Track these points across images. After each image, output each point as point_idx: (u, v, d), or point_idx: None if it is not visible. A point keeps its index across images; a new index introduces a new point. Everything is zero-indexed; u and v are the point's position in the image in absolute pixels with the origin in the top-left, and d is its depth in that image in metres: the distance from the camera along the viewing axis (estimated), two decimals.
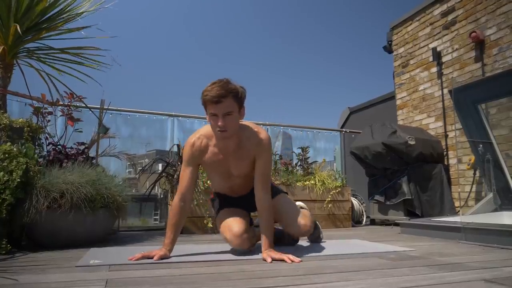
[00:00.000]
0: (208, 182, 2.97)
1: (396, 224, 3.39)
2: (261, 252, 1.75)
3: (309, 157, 3.97)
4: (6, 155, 1.90)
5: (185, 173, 1.75)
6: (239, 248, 1.74)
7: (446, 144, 4.18)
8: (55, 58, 2.75)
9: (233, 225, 1.75)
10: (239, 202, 1.92)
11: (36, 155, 2.21)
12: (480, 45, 3.87)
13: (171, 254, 1.70)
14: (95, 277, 1.30)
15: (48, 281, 1.24)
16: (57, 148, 2.50)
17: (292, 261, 1.56)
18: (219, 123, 1.58)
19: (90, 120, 3.23)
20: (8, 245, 1.80)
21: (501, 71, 3.53)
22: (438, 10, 4.45)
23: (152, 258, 1.61)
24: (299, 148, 4.03)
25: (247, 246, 1.77)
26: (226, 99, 1.56)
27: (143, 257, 1.61)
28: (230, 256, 1.73)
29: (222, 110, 1.58)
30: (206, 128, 1.76)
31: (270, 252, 1.64)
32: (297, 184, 3.59)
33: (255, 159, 1.75)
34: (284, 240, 2.05)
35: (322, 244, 2.18)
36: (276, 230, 2.04)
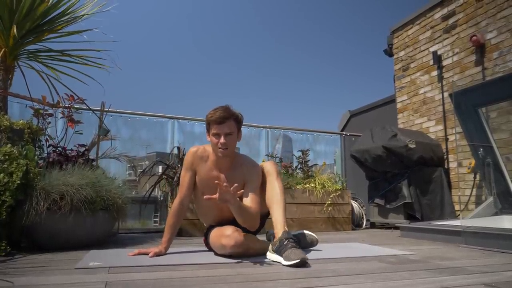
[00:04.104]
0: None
1: (396, 228, 3.38)
2: (260, 256, 1.78)
3: (309, 160, 3.97)
4: (7, 157, 1.90)
5: (184, 179, 1.92)
6: (235, 250, 1.71)
7: (447, 148, 4.18)
8: (55, 59, 2.75)
9: (225, 230, 1.76)
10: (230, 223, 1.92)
11: (36, 157, 2.22)
12: (480, 48, 3.87)
13: (167, 252, 1.85)
14: (94, 279, 1.29)
15: (47, 283, 1.24)
16: (57, 150, 2.50)
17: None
18: (221, 141, 1.77)
19: (90, 122, 3.24)
20: (8, 247, 1.80)
21: (502, 75, 3.54)
22: (438, 14, 4.46)
23: (148, 254, 1.79)
24: (299, 151, 4.03)
25: (243, 247, 1.73)
26: (228, 121, 1.79)
27: (140, 253, 1.82)
28: (230, 259, 1.72)
29: (224, 130, 1.78)
30: (209, 145, 1.92)
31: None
32: (297, 187, 3.59)
33: (245, 183, 1.85)
34: (301, 244, 2.04)
35: (322, 247, 2.18)
36: (299, 233, 2.09)
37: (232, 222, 1.86)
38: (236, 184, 1.61)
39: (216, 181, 1.60)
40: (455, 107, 3.53)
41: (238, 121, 1.85)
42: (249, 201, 1.80)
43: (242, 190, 1.70)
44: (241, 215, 1.74)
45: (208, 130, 1.85)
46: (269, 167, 1.93)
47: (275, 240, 1.71)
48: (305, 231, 2.17)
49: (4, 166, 1.87)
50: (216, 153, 1.84)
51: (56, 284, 1.23)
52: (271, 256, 1.71)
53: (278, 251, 1.65)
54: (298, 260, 1.54)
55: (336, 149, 5.31)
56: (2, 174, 1.84)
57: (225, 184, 1.57)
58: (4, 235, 1.84)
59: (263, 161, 3.71)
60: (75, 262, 1.63)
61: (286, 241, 1.65)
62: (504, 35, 3.65)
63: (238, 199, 1.68)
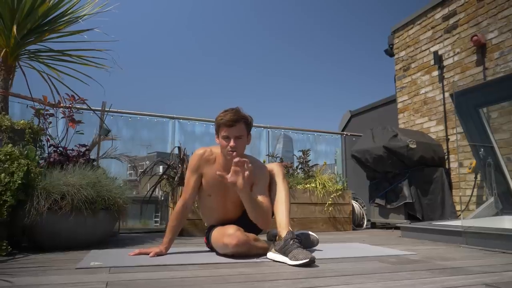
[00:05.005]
0: None
1: (397, 228, 3.38)
2: (261, 256, 1.78)
3: (310, 160, 3.96)
4: (8, 157, 1.90)
5: (189, 181, 1.91)
6: (238, 249, 1.72)
7: (447, 148, 4.18)
8: (56, 59, 2.76)
9: (228, 229, 1.76)
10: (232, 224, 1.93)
11: (37, 157, 2.22)
12: (481, 48, 3.87)
13: (168, 252, 1.86)
14: (95, 279, 1.30)
15: (48, 283, 1.24)
16: (58, 150, 2.50)
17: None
18: (231, 144, 1.76)
19: (91, 122, 3.24)
20: (9, 247, 1.80)
21: (503, 75, 3.53)
22: (439, 14, 4.46)
23: (148, 254, 1.79)
24: (300, 151, 4.03)
25: (246, 246, 1.74)
26: (238, 124, 1.78)
27: (140, 253, 1.82)
28: (231, 259, 1.72)
29: (234, 133, 1.77)
30: (216, 147, 1.92)
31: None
32: (298, 187, 3.59)
33: (253, 184, 1.83)
34: (303, 244, 2.05)
35: (323, 247, 2.18)
36: (300, 233, 2.09)
37: (235, 222, 1.87)
38: (247, 160, 1.62)
39: (230, 150, 1.65)
40: (456, 107, 3.53)
41: (248, 124, 1.84)
42: (260, 199, 1.81)
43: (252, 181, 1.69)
44: (253, 209, 1.74)
45: (217, 132, 1.84)
46: (276, 169, 1.94)
47: (278, 240, 1.71)
48: (307, 231, 2.17)
49: (5, 166, 1.87)
50: (225, 156, 1.83)
51: (57, 284, 1.23)
52: (273, 256, 1.71)
53: (283, 251, 1.65)
54: (307, 260, 1.53)
55: (336, 149, 5.30)
56: (3, 174, 1.84)
57: (238, 159, 1.62)
58: (5, 235, 1.84)
59: (263, 161, 3.72)
60: (76, 262, 1.63)
61: (292, 241, 1.65)
62: (505, 35, 3.64)
63: (248, 189, 1.70)
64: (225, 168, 1.86)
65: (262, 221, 1.81)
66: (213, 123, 1.90)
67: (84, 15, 2.81)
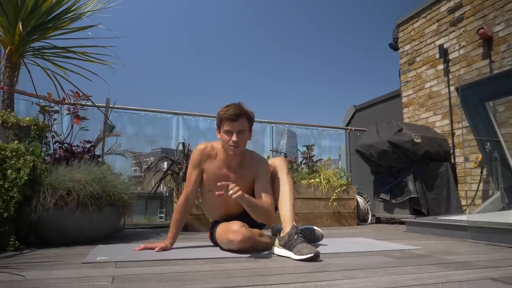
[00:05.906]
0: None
1: (402, 223, 3.37)
2: (267, 250, 1.79)
3: (314, 155, 3.96)
4: (14, 153, 1.92)
5: (191, 176, 1.92)
6: (242, 245, 1.72)
7: (453, 142, 4.15)
8: (60, 56, 2.77)
9: (233, 225, 1.76)
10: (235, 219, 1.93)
11: (43, 153, 2.24)
12: (488, 41, 3.82)
13: (173, 247, 1.87)
14: (101, 274, 1.31)
15: (55, 277, 1.26)
16: (63, 146, 2.52)
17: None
18: (233, 139, 1.76)
19: (95, 118, 3.25)
20: (16, 242, 1.83)
21: (509, 68, 3.49)
22: (445, 7, 4.41)
23: (154, 249, 1.81)
24: (304, 146, 4.03)
25: (250, 242, 1.74)
26: (241, 118, 1.78)
27: (146, 248, 1.83)
28: (235, 254, 1.73)
29: (237, 127, 1.77)
30: (217, 142, 1.92)
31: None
32: (302, 182, 3.59)
33: (255, 179, 1.87)
34: (307, 239, 2.06)
35: (327, 242, 2.18)
36: (305, 228, 2.11)
37: (238, 218, 1.87)
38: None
39: (220, 184, 1.65)
40: (462, 101, 3.50)
41: (250, 119, 1.84)
42: (262, 196, 1.82)
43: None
44: (253, 211, 1.76)
45: (219, 127, 1.83)
46: (279, 163, 1.95)
47: (282, 234, 1.71)
48: (311, 226, 2.17)
49: (11, 162, 1.89)
50: (226, 150, 1.83)
51: (64, 278, 1.25)
52: (278, 250, 1.72)
53: (287, 246, 1.65)
54: (312, 254, 1.53)
55: (341, 144, 5.29)
56: (10, 170, 1.86)
57: (232, 185, 1.65)
58: (13, 230, 1.86)
59: (267, 157, 3.71)
60: (83, 256, 1.64)
61: (296, 236, 1.65)
62: None
63: (246, 196, 1.70)
64: (226, 163, 1.88)
65: (265, 219, 1.83)
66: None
67: (88, 11, 2.82)
